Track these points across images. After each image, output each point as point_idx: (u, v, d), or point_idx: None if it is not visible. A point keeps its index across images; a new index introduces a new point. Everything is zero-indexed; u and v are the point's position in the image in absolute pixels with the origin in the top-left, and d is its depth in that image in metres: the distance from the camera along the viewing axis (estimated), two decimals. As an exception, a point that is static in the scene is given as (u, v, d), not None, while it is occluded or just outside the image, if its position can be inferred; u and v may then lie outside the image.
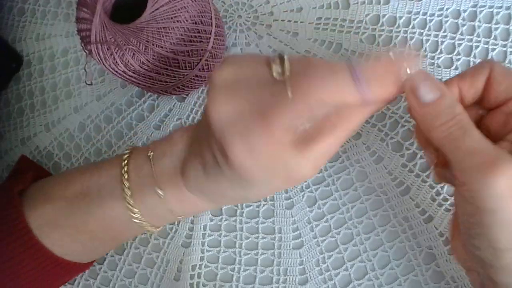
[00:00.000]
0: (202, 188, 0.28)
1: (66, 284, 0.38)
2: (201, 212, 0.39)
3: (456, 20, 0.39)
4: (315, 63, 0.24)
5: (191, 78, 0.37)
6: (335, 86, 0.24)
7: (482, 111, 0.28)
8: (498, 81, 0.26)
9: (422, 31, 0.39)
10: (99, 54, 0.33)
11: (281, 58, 0.24)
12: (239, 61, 0.26)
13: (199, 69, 0.36)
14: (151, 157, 0.30)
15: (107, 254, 0.39)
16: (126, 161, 0.31)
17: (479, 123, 0.26)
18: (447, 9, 0.39)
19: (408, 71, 0.25)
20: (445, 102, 0.25)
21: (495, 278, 0.25)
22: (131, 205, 0.30)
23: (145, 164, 0.30)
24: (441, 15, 0.39)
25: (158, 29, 0.33)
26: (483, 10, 0.39)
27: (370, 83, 0.23)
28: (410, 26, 0.39)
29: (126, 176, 0.30)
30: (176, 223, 0.38)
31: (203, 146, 0.27)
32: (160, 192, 0.29)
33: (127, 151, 0.31)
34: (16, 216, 0.31)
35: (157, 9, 0.33)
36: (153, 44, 0.33)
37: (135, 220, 0.30)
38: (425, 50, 0.39)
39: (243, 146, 0.24)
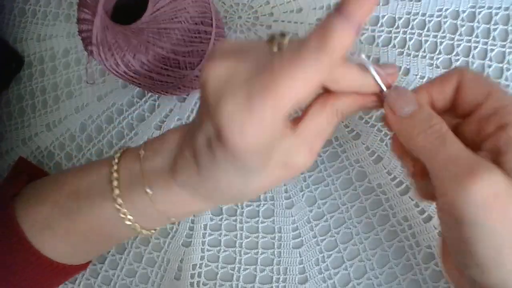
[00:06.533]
0: (194, 183, 0.27)
1: (67, 283, 0.38)
2: (196, 214, 0.38)
3: (455, 21, 0.39)
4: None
5: (191, 79, 0.37)
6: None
7: (457, 120, 0.27)
8: (468, 87, 0.26)
9: (421, 31, 0.39)
10: (100, 55, 0.34)
11: (283, 34, 0.22)
12: (239, 40, 0.26)
13: (200, 70, 0.37)
14: (141, 155, 0.29)
15: (108, 253, 0.39)
16: (117, 160, 0.30)
17: (456, 133, 0.26)
18: (446, 9, 0.40)
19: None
20: (422, 113, 0.26)
21: None
22: (119, 205, 0.28)
23: (135, 163, 0.29)
24: (440, 15, 0.39)
25: (159, 29, 0.33)
26: (482, 10, 0.39)
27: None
28: (409, 27, 0.40)
29: (115, 175, 0.29)
30: (176, 223, 0.39)
31: (196, 132, 0.25)
32: (149, 191, 0.28)
33: (120, 151, 0.30)
34: (8, 219, 0.31)
35: (158, 10, 0.33)
36: (153, 45, 0.33)
37: (126, 222, 0.29)
38: (424, 51, 0.39)
39: (238, 115, 0.21)
